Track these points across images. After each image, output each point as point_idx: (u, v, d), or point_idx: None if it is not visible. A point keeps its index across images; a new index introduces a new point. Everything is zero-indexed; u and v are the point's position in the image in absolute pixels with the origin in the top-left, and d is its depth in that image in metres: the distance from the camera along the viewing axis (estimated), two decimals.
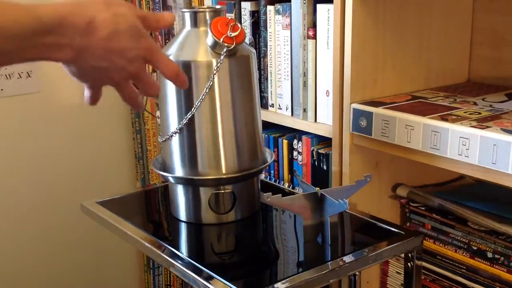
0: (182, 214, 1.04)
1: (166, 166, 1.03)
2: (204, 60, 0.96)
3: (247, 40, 0.99)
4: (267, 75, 1.29)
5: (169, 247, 0.95)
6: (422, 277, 1.08)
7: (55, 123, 1.76)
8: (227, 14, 1.35)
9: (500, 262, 1.00)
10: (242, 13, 1.31)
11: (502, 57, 1.20)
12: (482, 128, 0.88)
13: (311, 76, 1.18)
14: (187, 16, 1.00)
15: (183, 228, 1.05)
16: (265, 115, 1.31)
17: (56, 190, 1.80)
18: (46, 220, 1.79)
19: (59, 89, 1.76)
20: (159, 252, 0.94)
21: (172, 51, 0.98)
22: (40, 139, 1.75)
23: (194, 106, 0.96)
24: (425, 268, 1.10)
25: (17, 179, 1.74)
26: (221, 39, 0.94)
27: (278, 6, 1.23)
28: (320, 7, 1.13)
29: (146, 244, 0.97)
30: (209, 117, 0.98)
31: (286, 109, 1.26)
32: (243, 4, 1.30)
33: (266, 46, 1.28)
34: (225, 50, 0.95)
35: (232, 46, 0.95)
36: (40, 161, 1.76)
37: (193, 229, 1.04)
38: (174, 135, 1.00)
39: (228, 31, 0.95)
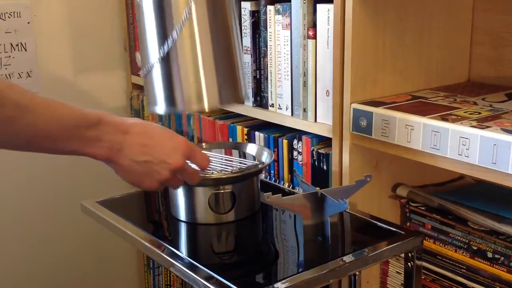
0: (182, 214, 1.04)
1: (149, 102, 0.98)
2: None
3: None
4: (267, 75, 1.29)
5: (169, 247, 0.95)
6: (422, 277, 1.08)
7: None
8: None
9: (500, 262, 1.00)
10: (242, 13, 1.31)
11: (502, 57, 1.20)
12: (482, 128, 0.88)
13: (311, 76, 1.18)
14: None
15: (183, 228, 1.05)
16: (265, 115, 1.31)
17: (56, 190, 1.80)
18: (46, 220, 1.79)
19: (59, 89, 1.76)
20: (159, 252, 0.94)
21: None
22: None
23: (175, 29, 0.90)
24: (425, 268, 1.10)
25: (17, 179, 1.74)
26: None
27: (278, 6, 1.23)
28: (320, 7, 1.13)
29: (146, 244, 0.97)
30: (189, 46, 0.92)
31: (286, 109, 1.26)
32: (243, 4, 1.30)
33: (266, 46, 1.28)
34: None
35: None
36: (40, 161, 1.76)
37: (193, 229, 1.04)
38: (155, 64, 0.93)
39: None
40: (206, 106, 0.93)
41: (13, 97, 0.77)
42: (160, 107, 0.93)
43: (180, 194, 1.04)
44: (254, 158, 1.12)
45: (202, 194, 1.01)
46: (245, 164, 1.07)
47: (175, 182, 0.94)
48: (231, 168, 1.04)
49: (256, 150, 1.15)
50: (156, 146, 0.88)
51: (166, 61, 0.92)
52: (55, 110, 0.82)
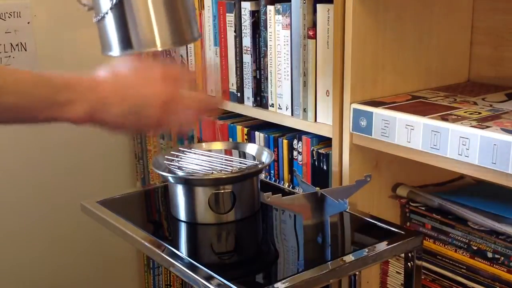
0: (182, 214, 1.04)
1: (104, 47, 0.99)
2: None
3: None
4: (267, 75, 1.29)
5: (169, 247, 0.95)
6: (422, 277, 1.08)
7: (55, 123, 1.76)
8: (227, 14, 1.35)
9: (500, 262, 1.00)
10: (242, 13, 1.31)
11: (502, 57, 1.20)
12: (482, 128, 0.88)
13: (311, 76, 1.18)
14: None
15: (183, 228, 1.05)
16: (265, 115, 1.31)
17: (56, 190, 1.80)
18: (46, 220, 1.79)
19: None
20: (159, 252, 0.94)
21: None
22: (40, 139, 1.75)
23: None
24: (425, 268, 1.10)
25: (17, 179, 1.74)
26: None
27: (278, 6, 1.23)
28: (320, 7, 1.13)
29: (146, 244, 0.97)
30: None
31: (286, 109, 1.26)
32: (243, 4, 1.30)
33: (266, 46, 1.28)
34: None
35: None
36: (40, 161, 1.76)
37: (193, 229, 1.04)
38: (108, 11, 0.95)
39: None
40: (158, 46, 0.94)
41: None
42: (115, 51, 0.95)
43: (180, 194, 1.04)
44: (254, 158, 1.12)
45: (202, 194, 1.01)
46: (245, 164, 1.07)
47: (180, 115, 0.88)
48: (231, 168, 1.04)
49: (256, 150, 1.15)
50: (134, 94, 0.84)
51: (118, 7, 0.93)
52: (23, 85, 0.79)
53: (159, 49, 0.94)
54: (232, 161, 1.09)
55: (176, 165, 1.07)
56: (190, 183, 1.02)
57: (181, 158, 1.11)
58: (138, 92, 0.84)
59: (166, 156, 1.12)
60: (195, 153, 1.14)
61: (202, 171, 1.03)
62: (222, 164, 1.07)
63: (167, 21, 0.95)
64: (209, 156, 1.12)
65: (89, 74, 0.85)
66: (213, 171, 1.03)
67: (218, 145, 1.21)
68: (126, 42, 0.94)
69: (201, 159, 1.11)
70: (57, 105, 0.81)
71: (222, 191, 1.01)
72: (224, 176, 1.01)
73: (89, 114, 0.82)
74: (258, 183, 1.08)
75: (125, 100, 0.83)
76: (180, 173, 1.03)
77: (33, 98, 0.79)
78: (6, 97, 0.78)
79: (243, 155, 1.14)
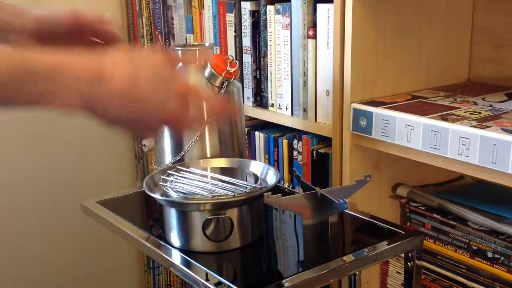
0: (175, 241, 0.95)
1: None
2: None
3: None
4: (267, 75, 1.29)
5: (169, 247, 0.95)
6: (422, 277, 1.08)
7: (55, 123, 1.76)
8: (227, 14, 1.35)
9: (500, 262, 1.00)
10: (242, 13, 1.31)
11: (502, 57, 1.20)
12: (482, 128, 0.88)
13: (311, 76, 1.18)
14: (180, 53, 1.09)
15: None
16: (265, 115, 1.31)
17: (56, 190, 1.80)
18: (46, 219, 1.80)
19: None
20: (159, 252, 0.94)
21: None
22: (40, 139, 1.75)
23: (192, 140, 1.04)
24: (425, 268, 1.10)
25: (17, 179, 1.74)
26: (223, 74, 1.02)
27: (278, 6, 1.23)
28: (320, 7, 1.13)
29: (146, 244, 0.96)
30: (199, 148, 1.05)
31: (286, 109, 1.26)
32: (243, 4, 1.30)
33: (266, 46, 1.28)
34: (225, 84, 1.02)
35: (231, 80, 1.03)
36: (40, 161, 1.76)
37: None
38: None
39: (228, 67, 1.02)
40: None
41: None
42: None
43: (173, 219, 0.94)
44: (256, 178, 1.01)
45: (197, 219, 0.91)
46: (241, 187, 0.94)
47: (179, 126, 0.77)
48: (227, 191, 0.92)
49: (261, 169, 1.03)
50: (146, 97, 0.69)
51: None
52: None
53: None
54: (229, 183, 0.96)
55: (170, 186, 0.95)
56: (183, 207, 0.92)
57: (177, 178, 0.99)
58: (148, 99, 0.70)
59: (162, 176, 0.99)
60: (192, 173, 1.01)
61: (198, 194, 0.91)
62: (217, 187, 0.95)
63: None
64: (206, 177, 1.00)
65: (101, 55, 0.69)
66: (210, 195, 0.91)
67: (218, 162, 1.07)
68: None
69: (198, 180, 0.98)
70: (33, 94, 0.65)
71: (217, 216, 0.91)
72: (217, 201, 0.90)
73: (86, 107, 0.69)
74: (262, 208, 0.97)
75: (135, 99, 0.69)
76: (174, 195, 0.93)
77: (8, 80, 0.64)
78: None
79: (245, 174, 1.04)
